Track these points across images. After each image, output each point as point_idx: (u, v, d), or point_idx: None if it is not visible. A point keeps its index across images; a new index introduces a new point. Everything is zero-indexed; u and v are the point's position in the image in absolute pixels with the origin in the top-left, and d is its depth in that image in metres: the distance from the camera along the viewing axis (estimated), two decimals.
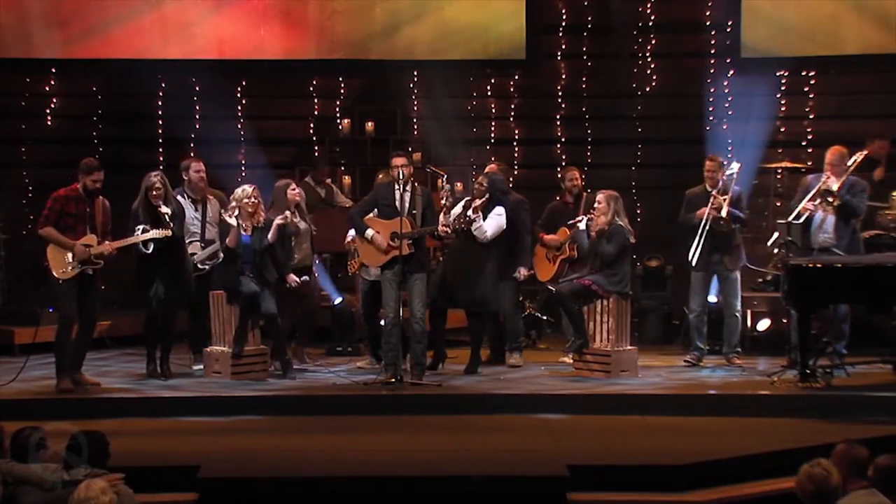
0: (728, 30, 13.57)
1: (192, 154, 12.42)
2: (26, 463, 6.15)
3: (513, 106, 13.98)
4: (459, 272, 10.15)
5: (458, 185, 10.78)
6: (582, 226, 10.24)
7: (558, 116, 13.89)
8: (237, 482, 7.33)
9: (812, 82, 13.48)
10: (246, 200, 9.87)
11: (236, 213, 9.89)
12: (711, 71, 13.56)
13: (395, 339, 9.54)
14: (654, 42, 13.77)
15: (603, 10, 13.76)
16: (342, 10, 13.85)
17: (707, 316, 10.55)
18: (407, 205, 9.70)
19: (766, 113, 13.32)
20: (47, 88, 13.87)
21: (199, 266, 10.12)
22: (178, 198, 10.09)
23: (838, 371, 9.62)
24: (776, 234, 9.93)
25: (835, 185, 9.95)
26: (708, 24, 13.67)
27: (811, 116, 13.47)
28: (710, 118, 13.42)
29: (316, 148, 13.79)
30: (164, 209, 9.63)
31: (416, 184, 9.98)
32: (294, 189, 10.42)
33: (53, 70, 13.81)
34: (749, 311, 11.05)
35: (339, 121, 13.98)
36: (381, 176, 10.85)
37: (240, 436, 8.56)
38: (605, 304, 9.99)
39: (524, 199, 10.73)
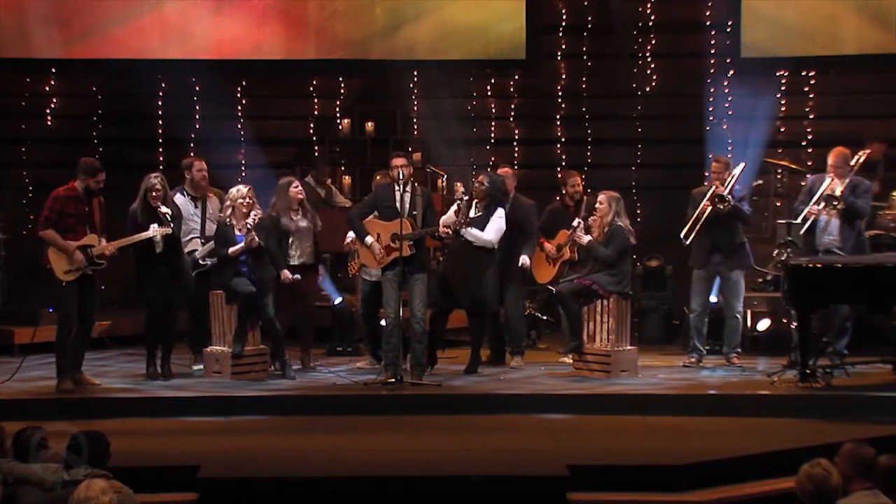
0: (728, 30, 13.57)
1: (192, 154, 12.42)
2: (27, 463, 6.15)
3: (513, 106, 13.98)
4: (459, 272, 10.14)
5: (458, 186, 10.76)
6: (579, 230, 10.24)
7: (558, 116, 13.89)
8: (237, 482, 7.33)
9: (812, 82, 13.49)
10: (241, 201, 9.87)
11: (230, 212, 9.89)
12: (711, 71, 13.56)
13: (396, 340, 9.54)
14: (654, 42, 13.77)
15: (603, 10, 13.77)
16: (342, 10, 13.86)
17: (707, 316, 10.54)
18: (407, 205, 9.70)
19: (766, 113, 13.33)
20: (47, 88, 13.87)
21: (200, 262, 10.12)
22: (178, 196, 10.10)
23: (838, 371, 9.62)
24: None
25: (838, 189, 9.94)
26: (708, 24, 13.67)
27: (811, 116, 13.48)
28: (710, 118, 13.43)
29: (316, 148, 13.80)
30: (164, 209, 9.63)
31: (416, 184, 9.97)
32: (297, 187, 10.42)
33: (53, 70, 13.81)
34: (749, 311, 11.04)
35: (339, 121, 13.98)
36: (378, 178, 10.85)
37: (240, 436, 8.56)
38: (605, 304, 9.99)
39: (534, 204, 10.72)
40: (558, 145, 13.84)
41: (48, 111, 13.85)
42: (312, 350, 10.68)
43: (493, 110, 13.97)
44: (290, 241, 10.28)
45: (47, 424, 6.64)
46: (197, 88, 13.74)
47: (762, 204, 12.51)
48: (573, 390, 9.57)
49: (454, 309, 10.44)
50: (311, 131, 13.93)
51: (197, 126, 13.69)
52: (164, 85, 13.74)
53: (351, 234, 10.25)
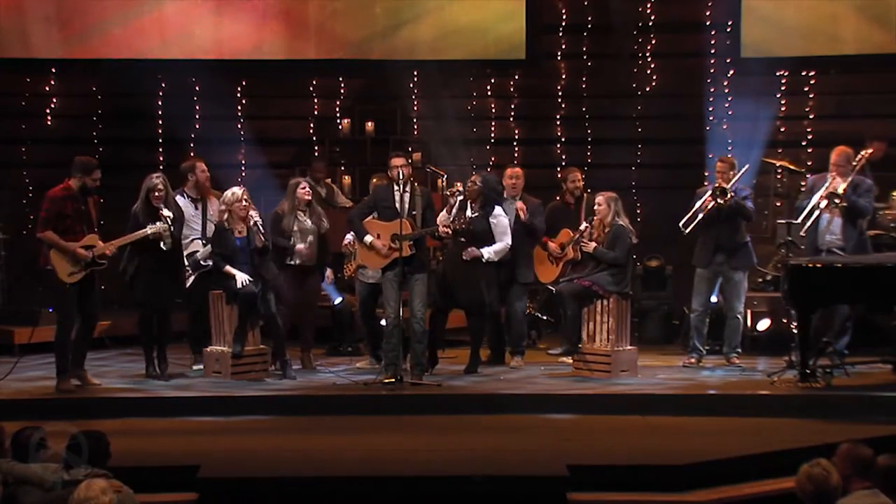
0: (728, 30, 13.57)
1: (191, 154, 12.42)
2: (27, 463, 6.15)
3: (513, 106, 13.98)
4: (459, 273, 10.13)
5: (457, 185, 10.77)
6: (585, 235, 10.25)
7: (558, 116, 13.89)
8: (237, 482, 7.32)
9: (812, 82, 13.49)
10: (237, 204, 9.87)
11: (227, 216, 9.89)
12: (711, 71, 13.56)
13: (396, 340, 9.54)
14: (654, 42, 13.77)
15: (603, 10, 13.77)
16: (342, 10, 13.86)
17: (708, 316, 10.54)
18: (407, 205, 9.70)
19: (766, 113, 13.33)
20: (47, 88, 13.88)
21: (201, 263, 10.13)
22: (178, 198, 10.10)
23: (838, 371, 9.62)
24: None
25: (841, 188, 9.93)
26: (708, 24, 13.66)
27: (811, 116, 13.48)
28: (710, 118, 13.43)
29: (316, 148, 13.80)
30: (166, 212, 9.63)
31: (415, 184, 9.98)
32: (304, 188, 10.43)
33: (53, 70, 13.82)
34: (749, 311, 11.04)
35: (339, 121, 13.99)
36: (374, 180, 10.84)
37: (240, 436, 8.56)
38: (605, 304, 9.99)
39: (540, 203, 10.73)
40: (558, 145, 13.84)
41: (48, 111, 13.86)
42: (313, 350, 10.68)
43: (493, 110, 13.97)
44: (290, 240, 10.28)
45: (47, 424, 6.65)
46: (197, 88, 13.75)
47: (762, 204, 12.51)
48: (573, 390, 9.57)
49: (453, 309, 10.44)
50: (311, 131, 13.93)
51: (197, 126, 13.70)
52: (164, 85, 13.75)
53: (349, 236, 10.26)
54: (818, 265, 9.43)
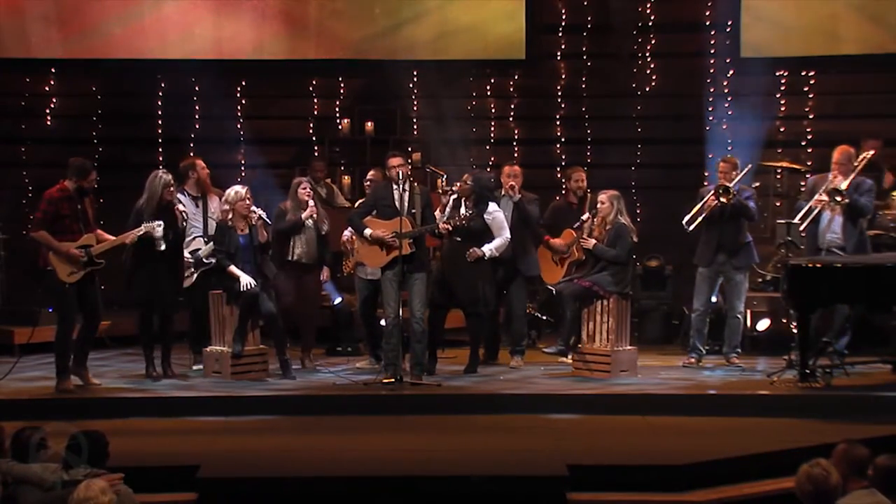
0: (728, 30, 13.57)
1: (191, 154, 12.41)
2: (27, 463, 6.15)
3: (512, 106, 13.98)
4: (455, 271, 10.12)
5: (442, 184, 10.77)
6: (584, 233, 10.25)
7: (558, 116, 13.89)
8: (237, 482, 7.33)
9: (812, 82, 13.48)
10: (240, 203, 9.88)
11: (230, 215, 9.90)
12: (711, 71, 13.56)
13: (396, 339, 9.54)
14: (653, 42, 13.77)
15: (602, 9, 13.77)
16: (342, 10, 13.85)
17: (708, 316, 10.54)
18: (406, 204, 9.70)
19: (765, 113, 13.33)
20: (47, 88, 13.87)
21: (204, 261, 10.13)
22: (179, 196, 10.10)
23: (838, 371, 9.62)
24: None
25: (843, 184, 9.93)
26: (708, 24, 13.66)
27: (811, 116, 13.47)
28: (710, 118, 13.43)
29: (316, 148, 13.80)
30: (181, 207, 9.70)
31: (414, 183, 9.98)
32: (304, 188, 10.43)
33: (53, 70, 13.81)
34: (749, 311, 11.04)
35: (338, 121, 13.99)
36: (371, 173, 10.83)
37: (239, 436, 8.56)
38: (605, 304, 9.99)
39: (536, 197, 10.72)
40: (558, 145, 13.83)
41: (48, 111, 13.85)
42: (313, 350, 10.68)
43: (493, 110, 13.96)
44: (290, 241, 10.29)
45: (46, 424, 6.65)
46: (197, 88, 13.74)
47: (762, 204, 12.49)
48: (573, 390, 9.57)
49: (451, 307, 10.42)
50: (311, 131, 13.93)
51: (197, 126, 13.70)
52: (163, 85, 13.75)
53: (347, 232, 10.27)
54: (818, 265, 9.43)
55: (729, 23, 13.55)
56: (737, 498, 7.32)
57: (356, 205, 10.64)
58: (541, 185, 12.91)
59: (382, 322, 10.15)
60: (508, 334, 10.83)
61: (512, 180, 10.58)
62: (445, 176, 11.70)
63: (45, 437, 6.32)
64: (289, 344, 10.13)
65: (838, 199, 9.91)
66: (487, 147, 13.77)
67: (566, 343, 10.19)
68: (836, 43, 13.38)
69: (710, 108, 13.45)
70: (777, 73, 13.45)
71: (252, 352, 9.97)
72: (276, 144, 13.83)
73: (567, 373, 10.16)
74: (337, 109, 14.04)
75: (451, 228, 9.79)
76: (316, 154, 13.60)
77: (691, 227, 10.29)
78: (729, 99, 13.48)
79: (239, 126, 13.78)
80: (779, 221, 10.64)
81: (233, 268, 9.78)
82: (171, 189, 9.75)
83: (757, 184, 11.68)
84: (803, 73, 13.47)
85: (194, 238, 10.19)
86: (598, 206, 10.23)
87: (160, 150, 13.65)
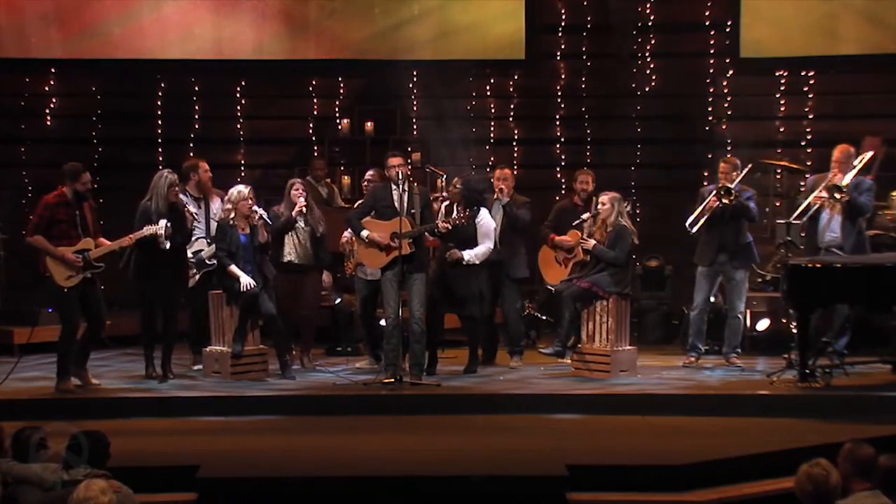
0: (727, 30, 13.58)
1: (191, 154, 12.42)
2: (27, 463, 6.15)
3: (512, 106, 13.98)
4: (446, 276, 10.10)
5: (449, 191, 10.77)
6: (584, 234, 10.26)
7: (558, 116, 13.89)
8: (236, 482, 7.33)
9: (811, 82, 13.49)
10: (242, 202, 9.88)
11: (232, 215, 9.90)
12: (711, 71, 13.58)
13: (396, 340, 9.54)
14: (653, 42, 13.77)
15: (602, 9, 13.77)
16: (342, 10, 13.86)
17: (707, 314, 10.54)
18: (405, 204, 9.69)
19: (765, 113, 13.34)
20: (47, 88, 13.88)
21: (206, 262, 10.12)
22: (181, 197, 10.09)
23: (838, 371, 9.62)
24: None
25: (844, 181, 9.92)
26: (707, 24, 13.67)
27: (810, 116, 13.48)
28: (710, 118, 13.44)
29: (315, 148, 13.80)
30: (193, 208, 9.75)
31: (414, 183, 9.97)
32: (297, 189, 10.42)
33: (53, 70, 13.82)
34: (749, 311, 11.04)
35: (338, 121, 13.99)
36: (370, 173, 10.82)
37: (239, 436, 8.56)
38: (604, 304, 9.99)
39: (527, 200, 10.71)
40: (558, 145, 13.84)
41: (48, 111, 13.86)
42: (312, 350, 10.68)
43: (493, 110, 13.97)
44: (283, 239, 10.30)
45: (47, 424, 6.65)
46: (196, 88, 13.76)
47: (761, 204, 12.49)
48: (573, 390, 9.57)
49: (447, 310, 10.42)
50: (311, 131, 13.93)
51: (197, 126, 13.71)
52: (163, 85, 13.76)
53: (347, 233, 10.26)
54: (818, 265, 9.43)
55: (729, 23, 13.56)
56: (737, 498, 7.32)
57: (355, 205, 10.63)
58: (540, 185, 12.94)
59: (382, 322, 10.15)
60: (505, 335, 10.82)
61: (502, 183, 10.56)
62: (445, 176, 11.73)
63: (45, 437, 6.32)
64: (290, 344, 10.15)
65: (837, 196, 9.91)
66: (487, 147, 13.77)
67: (563, 344, 10.19)
68: (835, 43, 13.39)
69: (709, 108, 13.47)
70: (777, 73, 13.46)
71: (252, 352, 9.97)
72: (276, 144, 13.84)
73: (567, 373, 10.16)
74: (337, 109, 14.04)
75: (450, 228, 9.78)
76: (316, 154, 13.60)
77: (695, 230, 10.29)
78: (728, 99, 13.49)
79: (239, 126, 13.79)
80: (778, 221, 10.62)
81: (233, 267, 9.78)
82: (177, 189, 9.77)
83: (758, 174, 11.69)
84: (803, 73, 13.47)
85: (197, 239, 10.19)
86: (599, 207, 10.23)
87: (160, 150, 13.66)
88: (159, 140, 13.75)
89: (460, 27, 13.80)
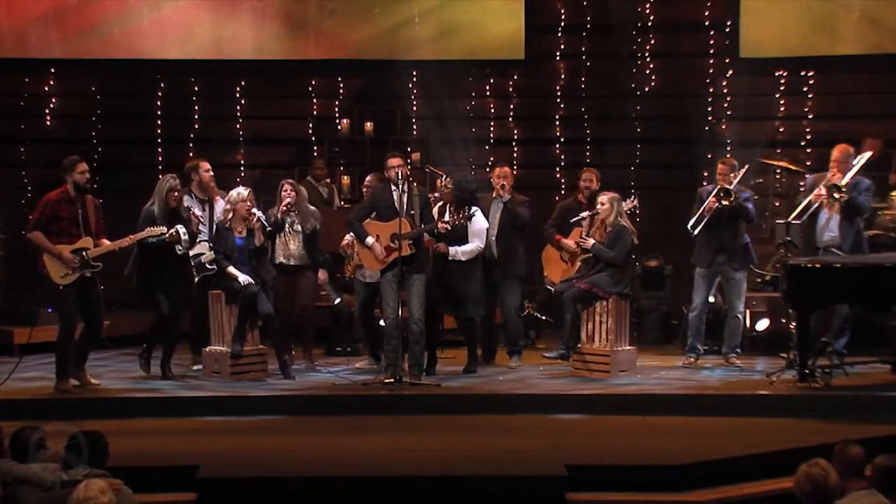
0: (727, 30, 13.58)
1: (191, 154, 12.42)
2: (26, 463, 6.15)
3: (512, 106, 13.99)
4: (442, 280, 10.10)
5: (442, 191, 10.77)
6: (584, 224, 10.26)
7: (557, 116, 13.89)
8: (236, 482, 7.32)
9: (811, 82, 13.49)
10: (241, 204, 9.88)
11: (231, 216, 9.90)
12: (710, 71, 13.59)
13: (396, 340, 9.54)
14: (653, 42, 13.77)
15: (602, 9, 13.77)
16: (341, 9, 13.86)
17: (706, 315, 10.54)
18: (405, 205, 9.69)
19: (765, 113, 13.34)
20: (46, 88, 13.88)
21: (207, 266, 10.12)
22: (185, 199, 10.09)
23: (837, 371, 9.61)
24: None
25: (843, 181, 9.92)
26: (707, 24, 13.68)
27: (810, 116, 13.48)
28: (709, 118, 13.44)
29: (315, 148, 13.80)
30: (198, 211, 9.74)
31: (413, 183, 9.98)
32: (286, 190, 10.40)
33: (52, 70, 13.82)
34: (748, 311, 11.04)
35: (338, 121, 13.99)
36: (368, 179, 10.83)
37: (239, 436, 8.56)
38: (604, 304, 9.99)
39: (526, 199, 10.71)
40: (557, 145, 13.84)
41: (47, 111, 13.86)
42: (313, 350, 10.68)
43: (493, 110, 13.97)
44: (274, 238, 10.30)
45: (46, 424, 6.65)
46: (196, 88, 13.76)
47: (761, 204, 12.50)
48: (572, 390, 9.57)
49: (443, 312, 10.42)
50: (311, 131, 13.94)
51: (196, 126, 13.71)
52: (163, 85, 13.77)
53: (348, 237, 10.25)
54: (817, 265, 9.43)
55: (728, 23, 13.57)
56: (736, 498, 7.32)
57: (355, 206, 10.62)
58: (540, 185, 12.94)
59: (381, 322, 10.15)
60: (504, 334, 10.82)
61: (503, 181, 10.57)
62: (445, 176, 11.72)
63: (45, 437, 6.32)
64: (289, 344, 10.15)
65: (836, 195, 9.91)
66: (487, 147, 13.77)
67: (567, 346, 10.18)
68: (835, 43, 13.39)
69: (709, 108, 13.47)
70: (776, 73, 13.47)
71: (251, 352, 9.97)
72: (276, 144, 13.84)
73: (566, 373, 10.16)
74: (336, 109, 14.04)
75: (449, 228, 9.79)
76: (315, 154, 13.60)
77: (696, 231, 10.30)
78: (728, 99, 13.49)
79: (238, 126, 13.79)
80: (778, 221, 10.64)
81: (231, 268, 9.79)
82: (175, 194, 9.74)
83: (759, 180, 11.69)
84: (802, 73, 13.48)
85: (200, 242, 10.16)
86: (599, 206, 10.23)
87: (159, 150, 13.67)
88: (159, 140, 13.75)
89: (460, 27, 13.80)
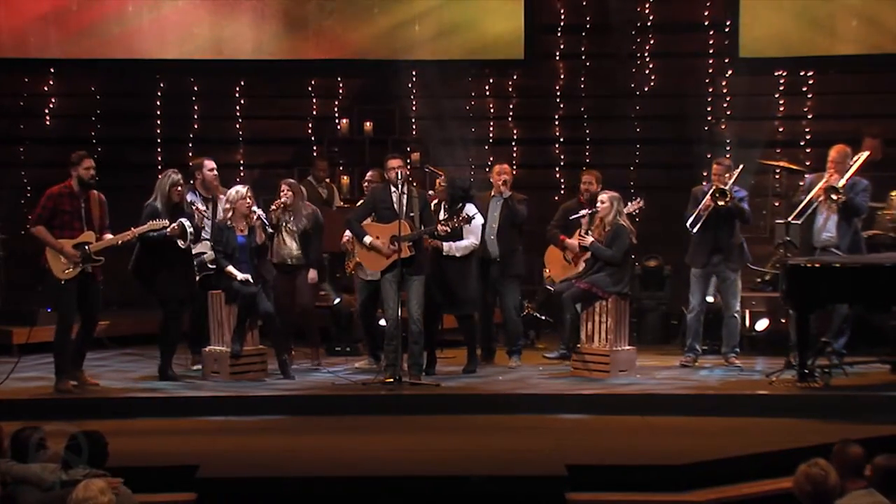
0: (727, 30, 13.58)
1: (190, 154, 12.42)
2: (26, 463, 6.15)
3: (511, 106, 13.99)
4: (443, 276, 10.10)
5: (436, 189, 10.78)
6: (583, 222, 10.27)
7: (557, 116, 13.89)
8: (236, 482, 7.32)
9: (810, 82, 13.49)
10: (241, 202, 9.88)
11: (230, 214, 9.90)
12: (710, 71, 13.59)
13: (397, 340, 9.54)
14: (652, 42, 13.77)
15: (601, 9, 13.77)
16: (341, 9, 13.86)
17: (704, 315, 10.54)
18: (405, 207, 9.69)
19: (764, 113, 13.34)
20: (46, 88, 13.87)
21: (209, 265, 10.12)
22: (189, 196, 10.09)
23: (837, 371, 9.62)
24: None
25: (841, 182, 9.92)
26: (706, 24, 13.68)
27: (809, 116, 13.48)
28: (709, 118, 13.44)
29: (314, 148, 13.80)
30: (201, 206, 9.74)
31: (413, 185, 9.97)
32: (283, 189, 10.40)
33: (52, 70, 13.82)
34: (748, 311, 11.05)
35: (337, 121, 13.99)
36: (370, 174, 10.82)
37: (239, 436, 8.56)
38: (604, 304, 9.99)
39: (525, 198, 10.71)
40: (557, 145, 13.84)
41: (47, 111, 13.85)
42: (319, 349, 10.69)
43: (492, 110, 13.97)
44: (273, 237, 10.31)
45: (45, 424, 6.65)
46: (195, 88, 13.76)
47: (761, 204, 12.51)
48: (572, 390, 9.57)
49: (442, 311, 10.42)
50: (310, 131, 13.94)
51: (196, 126, 13.71)
52: (162, 85, 13.77)
53: (347, 234, 10.26)
54: (816, 265, 9.43)
55: (727, 23, 13.57)
56: (736, 498, 7.32)
57: (356, 206, 10.61)
58: (540, 185, 12.94)
59: (381, 322, 10.15)
60: (504, 334, 10.82)
61: (502, 177, 10.57)
62: (444, 176, 11.72)
63: (44, 438, 6.32)
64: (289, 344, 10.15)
65: (834, 197, 9.92)
66: (486, 147, 13.77)
67: (567, 346, 10.18)
68: (834, 43, 13.39)
69: (708, 108, 13.47)
70: (776, 73, 13.47)
71: (251, 352, 9.97)
72: (275, 144, 13.84)
73: (566, 373, 10.16)
74: (336, 109, 14.04)
75: (448, 230, 9.79)
76: (315, 154, 13.60)
77: (695, 229, 10.30)
78: (728, 99, 13.49)
79: (238, 126, 13.79)
80: (777, 221, 10.64)
81: (230, 268, 9.79)
82: (179, 189, 9.75)
83: (753, 182, 11.69)
84: (802, 73, 13.48)
85: (202, 240, 10.15)
86: (598, 205, 10.23)
87: (159, 150, 13.67)
88: (158, 140, 13.75)
89: (459, 27, 13.80)
